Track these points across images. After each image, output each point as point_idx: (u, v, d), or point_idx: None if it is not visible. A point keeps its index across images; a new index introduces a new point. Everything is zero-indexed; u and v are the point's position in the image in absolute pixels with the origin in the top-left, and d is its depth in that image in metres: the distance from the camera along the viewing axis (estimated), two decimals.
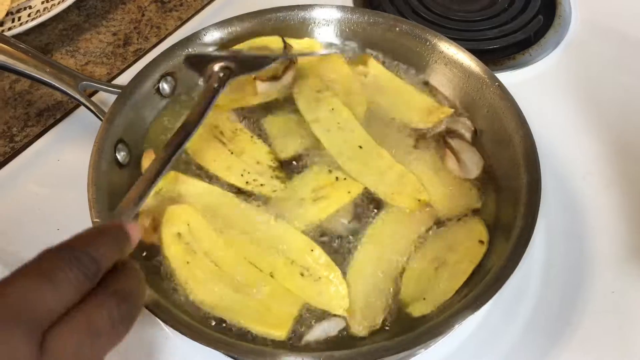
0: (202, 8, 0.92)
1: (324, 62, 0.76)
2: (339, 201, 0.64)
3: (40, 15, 0.86)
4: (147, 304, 0.52)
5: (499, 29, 0.90)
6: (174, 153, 0.55)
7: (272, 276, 0.59)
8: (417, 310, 0.57)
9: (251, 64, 0.68)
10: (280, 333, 0.55)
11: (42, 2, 0.90)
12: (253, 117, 0.71)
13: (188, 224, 0.61)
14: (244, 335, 0.55)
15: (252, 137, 0.69)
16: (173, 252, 0.59)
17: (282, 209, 0.63)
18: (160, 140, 0.69)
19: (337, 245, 0.61)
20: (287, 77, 0.73)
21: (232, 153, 0.68)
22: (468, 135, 0.70)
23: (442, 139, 0.69)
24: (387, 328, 0.57)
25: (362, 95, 0.74)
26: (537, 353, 0.61)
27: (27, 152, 0.74)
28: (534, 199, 0.59)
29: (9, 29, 0.85)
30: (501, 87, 0.68)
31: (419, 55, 0.75)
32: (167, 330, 0.61)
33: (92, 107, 0.67)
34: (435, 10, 0.92)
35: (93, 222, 0.57)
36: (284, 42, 0.75)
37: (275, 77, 0.73)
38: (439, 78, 0.74)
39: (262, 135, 0.70)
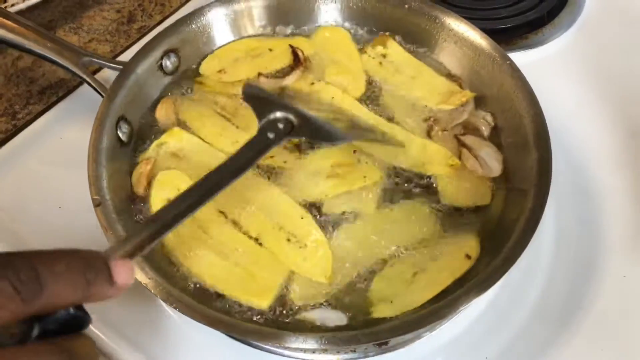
0: None
1: (330, 40, 0.75)
2: (352, 183, 0.62)
3: None
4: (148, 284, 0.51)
5: (512, 7, 0.88)
6: (203, 198, 0.47)
7: (258, 240, 0.58)
8: (379, 311, 0.55)
9: (315, 131, 0.58)
10: (262, 302, 0.55)
11: None
12: None
13: (178, 189, 0.60)
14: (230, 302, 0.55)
15: None
16: None
17: (290, 179, 0.63)
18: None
19: (331, 221, 0.60)
20: (291, 78, 0.71)
21: (237, 127, 0.67)
22: (486, 131, 0.67)
23: (456, 138, 0.66)
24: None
25: (362, 75, 0.72)
26: (547, 337, 0.59)
27: (29, 130, 0.74)
28: (545, 178, 0.57)
29: (12, 5, 0.84)
30: (512, 65, 0.66)
31: (428, 34, 0.73)
32: (167, 308, 0.60)
33: (93, 84, 0.66)
34: None
35: (93, 199, 0.56)
36: (294, 51, 0.72)
37: (279, 75, 0.71)
38: (448, 57, 0.72)
39: None
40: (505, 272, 0.51)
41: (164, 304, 0.58)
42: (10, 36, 0.65)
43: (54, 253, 0.31)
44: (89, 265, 0.32)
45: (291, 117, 0.56)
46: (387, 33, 0.75)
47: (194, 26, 0.72)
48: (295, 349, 0.56)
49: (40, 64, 0.81)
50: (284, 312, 0.55)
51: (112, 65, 0.68)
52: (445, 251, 0.58)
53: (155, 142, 0.65)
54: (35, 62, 0.81)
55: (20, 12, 0.82)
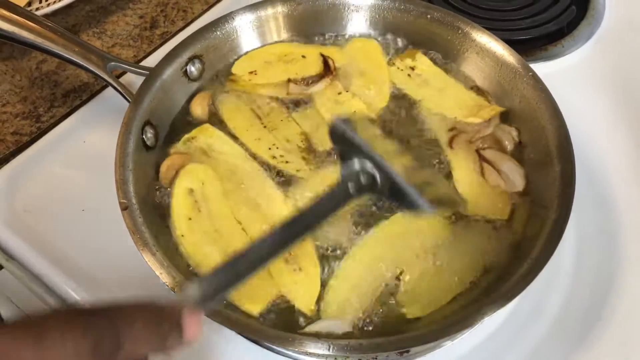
0: None
1: (361, 51, 0.75)
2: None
3: None
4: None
5: (531, 19, 0.88)
6: (279, 248, 0.44)
7: None
8: (411, 312, 0.55)
9: (399, 195, 0.49)
10: (253, 308, 0.55)
11: None
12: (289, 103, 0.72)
13: (203, 183, 0.63)
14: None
15: (287, 116, 0.69)
16: (180, 204, 0.61)
17: (301, 190, 0.63)
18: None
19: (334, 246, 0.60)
20: (320, 85, 0.72)
21: (265, 127, 0.68)
22: (510, 146, 0.66)
23: (477, 152, 0.66)
24: (369, 328, 0.55)
25: (387, 86, 0.72)
26: (566, 348, 0.59)
27: (53, 133, 0.74)
28: (568, 190, 0.57)
29: (37, 9, 0.85)
30: (535, 77, 0.67)
31: (451, 44, 0.74)
32: None
33: (119, 89, 0.66)
34: None
35: (120, 202, 0.57)
36: (324, 59, 0.73)
37: (308, 82, 0.72)
38: (471, 67, 0.73)
39: (296, 119, 0.70)
40: (530, 281, 0.51)
41: None
42: (39, 40, 0.66)
43: (133, 309, 0.32)
44: (164, 320, 0.33)
45: (375, 174, 0.49)
46: (412, 47, 0.76)
47: (219, 33, 0.72)
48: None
49: (65, 67, 0.82)
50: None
51: (138, 70, 0.68)
52: (464, 250, 0.59)
53: (185, 137, 0.67)
54: (60, 65, 0.82)
55: (45, 16, 0.83)
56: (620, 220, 0.68)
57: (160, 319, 0.33)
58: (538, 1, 0.90)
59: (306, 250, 0.59)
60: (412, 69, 0.73)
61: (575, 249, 0.65)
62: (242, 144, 0.67)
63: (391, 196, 0.50)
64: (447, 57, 0.75)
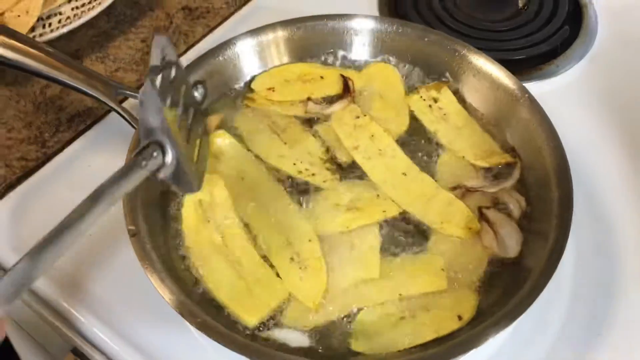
0: (230, 15, 0.93)
1: (379, 76, 0.77)
2: (371, 217, 0.64)
3: (70, 22, 0.87)
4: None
5: (525, 39, 0.90)
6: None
7: (266, 257, 0.61)
8: (358, 345, 0.56)
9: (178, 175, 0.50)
10: (250, 320, 0.57)
11: (72, 9, 0.91)
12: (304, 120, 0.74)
13: (212, 194, 0.64)
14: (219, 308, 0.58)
15: (305, 130, 0.72)
16: (189, 215, 0.63)
17: (316, 206, 0.65)
18: None
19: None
20: (338, 105, 0.73)
21: (285, 143, 0.70)
22: (516, 212, 0.64)
23: (478, 211, 0.64)
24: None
25: (406, 113, 0.74)
26: None
27: (59, 158, 0.75)
28: (566, 212, 0.59)
29: (40, 35, 0.86)
30: (531, 99, 0.69)
31: (448, 66, 0.75)
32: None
33: (125, 115, 0.67)
34: (461, 19, 0.92)
35: (128, 229, 0.58)
36: (345, 80, 0.75)
37: (326, 102, 0.74)
38: (468, 90, 0.75)
39: (315, 134, 0.72)
40: (532, 302, 0.53)
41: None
42: (45, 69, 0.66)
43: None
44: None
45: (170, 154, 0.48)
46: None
47: (221, 58, 0.74)
48: None
49: (69, 92, 0.83)
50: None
51: None
52: (439, 304, 0.59)
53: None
54: (64, 90, 0.83)
55: (48, 42, 0.84)
56: (618, 239, 0.69)
57: None
58: (532, 21, 0.92)
59: (311, 247, 0.61)
60: (435, 101, 0.74)
61: (574, 267, 0.66)
62: (266, 164, 0.69)
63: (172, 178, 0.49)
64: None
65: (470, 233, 0.63)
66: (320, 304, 0.58)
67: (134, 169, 0.47)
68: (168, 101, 0.49)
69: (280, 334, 0.57)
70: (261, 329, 0.57)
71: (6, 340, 0.34)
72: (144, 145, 0.48)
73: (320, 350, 0.56)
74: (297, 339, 0.57)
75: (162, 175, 0.49)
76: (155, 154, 0.47)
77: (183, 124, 0.53)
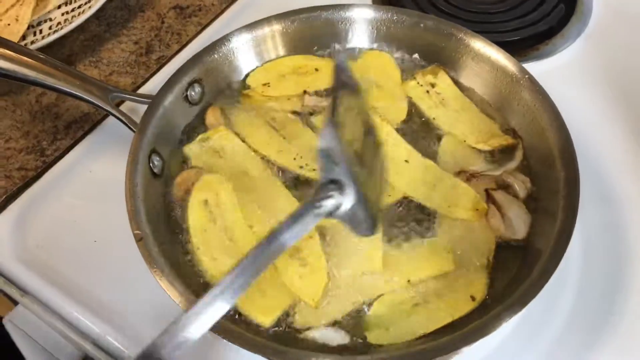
0: (222, 12, 0.92)
1: (374, 65, 0.76)
2: None
3: (61, 28, 0.86)
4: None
5: (520, 19, 0.89)
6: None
7: None
8: (374, 337, 0.56)
9: (354, 218, 0.45)
10: (265, 319, 0.56)
11: (62, 14, 0.90)
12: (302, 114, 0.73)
13: (217, 194, 0.64)
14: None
15: (303, 126, 0.71)
16: (195, 217, 0.63)
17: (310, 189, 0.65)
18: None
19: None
20: None
21: (284, 138, 0.70)
22: (522, 193, 0.64)
23: (485, 193, 0.64)
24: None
25: (404, 100, 0.73)
26: (581, 346, 0.60)
27: (59, 166, 0.75)
28: (573, 191, 0.59)
29: (32, 42, 0.85)
30: (531, 79, 0.68)
31: (446, 52, 0.75)
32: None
33: (123, 118, 0.67)
34: (455, 3, 0.92)
35: (135, 234, 0.58)
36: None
37: (322, 95, 0.74)
38: (468, 74, 0.74)
39: (313, 128, 0.71)
40: (543, 285, 0.53)
41: None
42: (40, 77, 0.66)
43: None
44: None
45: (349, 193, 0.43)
46: (390, 50, 0.77)
47: (216, 55, 0.73)
48: None
49: (64, 99, 0.82)
50: (287, 329, 0.57)
51: (139, 99, 0.69)
52: (451, 287, 0.58)
53: (200, 136, 0.69)
54: (59, 97, 0.82)
55: (40, 48, 0.83)
56: (624, 216, 0.69)
57: None
58: (526, 1, 0.91)
59: (311, 243, 0.61)
60: (432, 86, 0.73)
61: (582, 247, 0.66)
62: (265, 158, 0.68)
63: (346, 220, 0.45)
64: (447, 67, 0.75)
65: (477, 215, 0.63)
66: (320, 301, 0.58)
67: (310, 210, 0.43)
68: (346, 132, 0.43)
69: (317, 334, 0.57)
70: (299, 329, 0.57)
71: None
72: (322, 183, 0.43)
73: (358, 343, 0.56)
74: (336, 337, 0.56)
75: (336, 215, 0.44)
76: (332, 193, 0.43)
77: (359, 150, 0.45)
